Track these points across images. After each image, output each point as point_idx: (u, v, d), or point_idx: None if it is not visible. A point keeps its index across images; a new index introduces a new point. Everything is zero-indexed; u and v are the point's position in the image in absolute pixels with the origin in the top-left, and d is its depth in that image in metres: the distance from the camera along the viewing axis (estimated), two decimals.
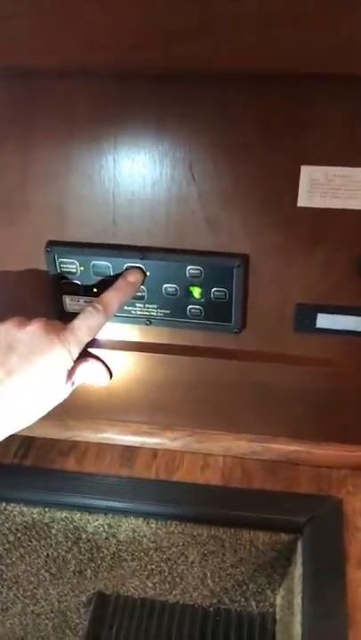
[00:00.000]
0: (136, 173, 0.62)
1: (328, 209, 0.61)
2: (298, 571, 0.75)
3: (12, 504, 0.83)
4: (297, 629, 0.70)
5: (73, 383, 0.67)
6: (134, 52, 0.53)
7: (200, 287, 0.68)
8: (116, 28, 0.52)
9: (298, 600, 0.72)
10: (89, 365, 0.71)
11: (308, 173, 0.59)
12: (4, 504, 0.83)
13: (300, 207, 0.62)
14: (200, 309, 0.70)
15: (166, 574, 0.88)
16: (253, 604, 0.90)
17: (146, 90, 0.57)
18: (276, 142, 0.58)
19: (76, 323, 0.64)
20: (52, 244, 0.68)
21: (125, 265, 0.68)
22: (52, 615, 1.00)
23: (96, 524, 0.82)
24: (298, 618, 0.71)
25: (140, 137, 0.60)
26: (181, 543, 0.82)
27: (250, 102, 0.56)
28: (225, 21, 0.50)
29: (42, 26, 0.53)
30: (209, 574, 0.86)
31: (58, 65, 0.55)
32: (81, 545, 0.86)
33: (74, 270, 0.69)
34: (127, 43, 0.52)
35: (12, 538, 0.87)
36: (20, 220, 0.68)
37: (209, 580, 0.87)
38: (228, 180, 0.61)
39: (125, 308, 0.71)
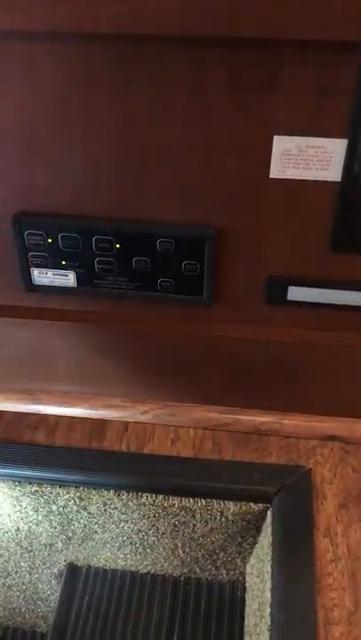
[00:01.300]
0: (104, 141, 0.61)
1: (301, 180, 0.61)
2: (268, 539, 0.76)
3: None
4: (267, 596, 0.72)
5: None
6: (102, 9, 0.51)
7: (171, 260, 0.67)
8: None
9: (267, 568, 0.74)
10: None
11: (280, 144, 0.59)
12: None
13: (272, 178, 0.61)
14: (171, 282, 0.69)
15: (137, 545, 0.89)
16: (224, 572, 0.92)
17: (114, 53, 0.55)
18: (249, 112, 0.57)
19: None
20: (18, 215, 0.67)
21: (94, 237, 0.67)
22: (24, 587, 1.00)
23: (67, 497, 0.82)
24: (268, 585, 0.72)
25: (109, 103, 0.58)
26: (152, 515, 0.82)
27: (221, 70, 0.55)
28: None
29: None
30: (180, 545, 0.87)
31: (23, 24, 0.53)
32: (52, 518, 0.86)
33: (41, 242, 0.68)
34: None
35: None
36: None
37: (180, 551, 0.88)
38: (201, 150, 0.60)
39: (95, 281, 0.70)
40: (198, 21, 0.50)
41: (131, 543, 0.89)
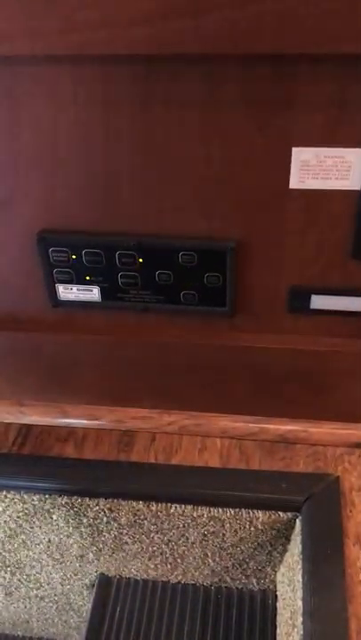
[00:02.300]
0: (125, 158, 0.62)
1: (320, 190, 0.61)
2: (297, 548, 0.76)
3: (13, 492, 0.83)
4: (298, 605, 0.72)
5: None
6: (119, 31, 0.52)
7: (194, 272, 0.68)
8: (100, 6, 0.51)
9: (298, 577, 0.73)
10: None
11: (298, 155, 0.59)
12: (4, 492, 0.83)
13: (292, 189, 0.61)
14: (194, 294, 0.70)
15: (167, 555, 0.89)
16: (254, 581, 0.92)
17: (132, 73, 0.56)
18: (266, 124, 0.58)
19: None
20: (43, 232, 0.68)
21: (118, 252, 0.68)
22: (56, 598, 1.01)
23: (97, 508, 0.82)
24: (298, 594, 0.72)
25: (128, 121, 0.59)
26: (182, 525, 0.83)
27: (237, 84, 0.56)
28: None
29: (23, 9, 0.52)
30: (210, 554, 0.87)
31: (43, 49, 0.54)
32: (82, 530, 0.87)
33: (65, 259, 0.69)
34: (113, 22, 0.51)
35: (13, 525, 0.88)
36: (10, 209, 0.67)
37: (210, 560, 0.89)
38: (220, 164, 0.61)
39: (119, 295, 0.71)
40: (215, 40, 0.51)
41: (161, 553, 0.89)
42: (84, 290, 0.72)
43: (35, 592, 1.01)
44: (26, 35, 0.53)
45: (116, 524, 0.85)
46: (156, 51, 0.53)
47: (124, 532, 0.86)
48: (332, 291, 0.69)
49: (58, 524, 0.86)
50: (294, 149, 0.59)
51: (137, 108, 0.59)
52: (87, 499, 0.82)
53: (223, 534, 0.83)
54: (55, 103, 0.59)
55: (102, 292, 0.72)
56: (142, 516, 0.82)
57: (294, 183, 0.61)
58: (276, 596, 0.90)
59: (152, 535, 0.86)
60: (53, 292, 0.73)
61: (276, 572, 0.89)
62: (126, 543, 0.88)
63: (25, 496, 0.83)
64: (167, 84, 0.57)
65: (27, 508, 0.85)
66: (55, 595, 1.01)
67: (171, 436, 0.86)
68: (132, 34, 0.52)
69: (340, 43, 0.50)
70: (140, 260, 0.68)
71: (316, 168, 0.60)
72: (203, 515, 0.80)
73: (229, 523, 0.81)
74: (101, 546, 0.90)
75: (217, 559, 0.88)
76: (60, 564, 0.94)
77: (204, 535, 0.84)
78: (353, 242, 0.64)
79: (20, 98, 0.59)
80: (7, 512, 0.86)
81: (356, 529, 0.74)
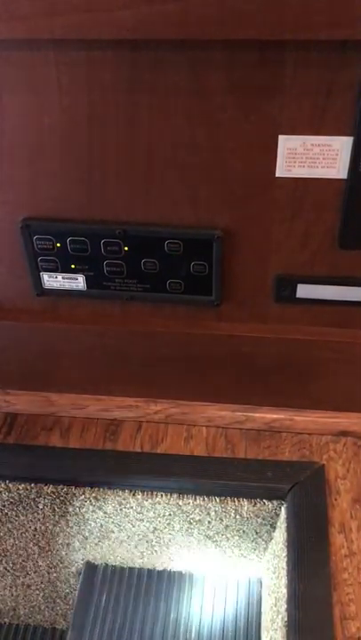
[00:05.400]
0: (110, 146, 0.61)
1: (307, 178, 0.61)
2: (282, 536, 0.77)
3: None
4: (282, 592, 0.72)
5: None
6: (103, 15, 0.51)
7: (180, 261, 0.68)
8: None
9: (283, 564, 0.74)
10: None
11: (285, 143, 0.59)
12: None
13: (278, 177, 0.61)
14: (180, 283, 0.69)
15: (153, 543, 0.90)
16: (240, 568, 0.92)
17: (116, 59, 0.55)
18: (253, 111, 0.57)
19: None
20: (27, 220, 0.67)
21: (103, 240, 0.67)
22: (43, 586, 1.02)
23: (82, 497, 0.82)
24: (283, 581, 0.73)
25: (113, 107, 0.58)
26: (168, 513, 0.83)
27: (224, 70, 0.55)
28: None
29: None
30: (195, 542, 0.88)
31: (25, 33, 0.53)
32: (68, 518, 0.87)
33: (50, 247, 0.68)
34: (97, 5, 0.50)
35: None
36: None
37: (195, 548, 0.89)
38: (206, 151, 0.60)
39: (105, 283, 0.71)
40: (200, 25, 0.51)
41: (147, 541, 0.89)
42: (69, 278, 0.71)
43: (21, 580, 1.01)
44: (7, 18, 0.52)
45: (101, 513, 0.85)
46: (142, 35, 0.53)
47: (110, 520, 0.86)
48: (319, 280, 0.68)
49: (44, 513, 0.86)
50: (281, 137, 0.58)
51: (122, 95, 0.58)
52: (73, 487, 0.82)
53: (209, 522, 0.83)
54: (38, 89, 0.58)
55: (87, 280, 0.71)
56: (128, 505, 0.83)
57: (281, 171, 0.61)
58: (261, 583, 0.91)
59: (138, 523, 0.86)
60: (38, 281, 0.72)
61: (261, 559, 0.90)
62: (112, 531, 0.88)
63: (10, 485, 0.83)
64: (153, 70, 0.56)
65: (12, 497, 0.84)
66: (42, 582, 1.01)
67: (157, 424, 0.86)
68: (116, 18, 0.51)
69: (328, 29, 0.50)
70: (126, 249, 0.67)
71: (303, 156, 0.59)
72: (188, 503, 0.81)
73: (215, 511, 0.81)
74: (87, 534, 0.90)
75: (202, 547, 0.89)
76: (47, 552, 0.94)
77: (190, 523, 0.84)
78: (339, 231, 0.64)
79: (1, 83, 0.58)
80: None
81: (341, 517, 0.75)
